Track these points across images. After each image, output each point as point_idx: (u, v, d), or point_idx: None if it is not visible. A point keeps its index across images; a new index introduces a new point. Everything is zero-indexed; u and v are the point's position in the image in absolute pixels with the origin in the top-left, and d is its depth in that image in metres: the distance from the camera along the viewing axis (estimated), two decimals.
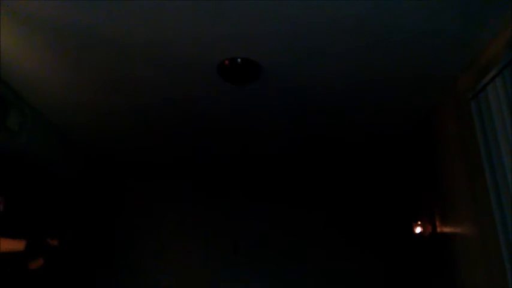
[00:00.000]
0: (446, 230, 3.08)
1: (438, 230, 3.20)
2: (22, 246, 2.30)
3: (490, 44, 2.42)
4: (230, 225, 4.53)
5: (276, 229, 4.54)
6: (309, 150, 4.20)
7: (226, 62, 2.65)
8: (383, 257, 4.33)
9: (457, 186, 2.88)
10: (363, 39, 2.43)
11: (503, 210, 2.19)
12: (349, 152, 4.22)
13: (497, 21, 2.25)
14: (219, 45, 2.51)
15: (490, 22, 2.27)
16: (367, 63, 2.69)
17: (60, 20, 2.28)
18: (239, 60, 2.63)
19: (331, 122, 3.54)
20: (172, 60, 2.67)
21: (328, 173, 4.66)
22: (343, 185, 4.70)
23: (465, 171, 2.76)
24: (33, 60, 2.65)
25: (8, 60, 2.61)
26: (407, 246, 3.90)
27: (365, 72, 2.79)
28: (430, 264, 3.38)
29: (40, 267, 2.43)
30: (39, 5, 2.15)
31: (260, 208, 4.61)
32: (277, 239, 4.50)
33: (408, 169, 3.93)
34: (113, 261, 4.35)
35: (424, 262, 3.52)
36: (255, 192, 4.68)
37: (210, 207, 4.60)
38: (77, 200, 3.92)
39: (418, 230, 3.47)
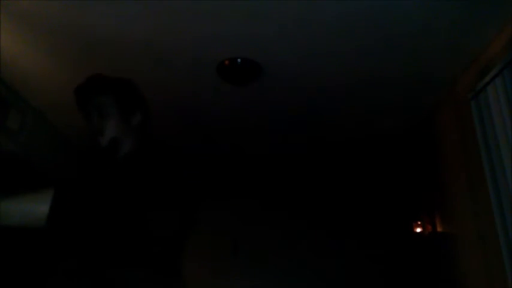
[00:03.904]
0: (446, 229, 3.09)
1: (438, 229, 3.20)
2: None
3: (490, 44, 2.42)
4: (229, 226, 4.53)
5: (275, 229, 4.54)
6: (309, 150, 4.20)
7: (226, 62, 2.65)
8: (383, 257, 4.33)
9: (457, 186, 2.88)
10: (363, 39, 2.43)
11: (503, 210, 2.19)
12: (349, 152, 4.22)
13: (497, 21, 2.25)
14: (219, 45, 2.51)
15: (490, 22, 2.27)
16: (367, 63, 2.69)
17: (60, 20, 2.28)
18: (239, 60, 2.63)
19: (331, 122, 3.54)
20: (172, 61, 2.67)
21: (328, 173, 4.66)
22: (343, 185, 4.69)
23: (465, 171, 2.76)
24: (33, 60, 2.65)
25: (8, 60, 2.61)
26: (407, 246, 3.90)
27: (365, 72, 2.79)
28: (430, 264, 3.38)
29: None
30: (39, 5, 2.15)
31: (259, 208, 4.61)
32: (276, 240, 4.50)
33: (408, 169, 3.93)
34: None
35: (424, 262, 3.52)
36: (254, 192, 4.68)
37: (209, 208, 4.59)
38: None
39: (418, 229, 3.47)
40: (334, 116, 3.42)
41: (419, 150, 3.60)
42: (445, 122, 3.07)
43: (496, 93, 2.24)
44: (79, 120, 3.71)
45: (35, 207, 1.33)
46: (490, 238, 2.38)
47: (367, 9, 2.18)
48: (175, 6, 2.16)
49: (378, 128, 3.65)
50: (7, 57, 2.58)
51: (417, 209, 3.60)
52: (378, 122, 3.53)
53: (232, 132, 3.77)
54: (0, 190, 1.41)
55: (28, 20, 2.27)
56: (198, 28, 2.34)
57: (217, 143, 4.01)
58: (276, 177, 4.72)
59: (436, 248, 3.23)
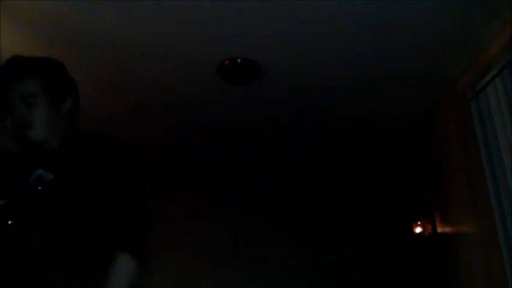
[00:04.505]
0: (446, 230, 3.08)
1: (438, 230, 3.20)
2: None
3: (490, 44, 2.41)
4: (229, 226, 4.52)
5: (276, 230, 4.54)
6: (309, 150, 4.20)
7: (226, 62, 2.65)
8: (383, 257, 4.32)
9: (457, 186, 2.88)
10: (363, 39, 2.43)
11: (503, 210, 2.19)
12: (349, 152, 4.22)
13: (497, 21, 2.25)
14: (219, 45, 2.51)
15: (490, 22, 2.27)
16: (367, 64, 2.69)
17: (61, 20, 2.28)
18: (239, 60, 2.63)
19: (330, 122, 3.54)
20: (172, 61, 2.67)
21: (327, 173, 4.66)
22: (343, 185, 4.69)
23: (465, 171, 2.76)
24: None
25: None
26: (407, 246, 3.90)
27: (365, 72, 2.79)
28: (430, 265, 3.38)
29: None
30: (39, 5, 2.15)
31: (259, 208, 4.61)
32: (276, 240, 4.50)
33: (408, 169, 3.93)
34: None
35: (424, 262, 3.52)
36: (254, 192, 4.68)
37: (209, 208, 4.60)
38: None
39: (418, 230, 3.47)
40: (333, 116, 3.42)
41: (419, 150, 3.60)
42: (445, 122, 3.07)
43: (496, 93, 2.24)
44: (78, 120, 3.71)
45: None
46: (490, 238, 2.38)
47: (367, 10, 2.18)
48: (175, 6, 2.16)
49: (377, 128, 3.65)
50: (7, 57, 2.57)
51: (417, 209, 3.59)
52: (378, 122, 3.53)
53: (232, 132, 3.77)
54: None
55: (28, 20, 2.27)
56: (198, 28, 2.34)
57: (217, 142, 4.01)
58: (276, 177, 4.72)
59: (436, 248, 3.23)
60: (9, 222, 1.25)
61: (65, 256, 1.27)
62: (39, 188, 1.32)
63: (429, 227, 3.30)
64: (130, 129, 3.70)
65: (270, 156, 4.37)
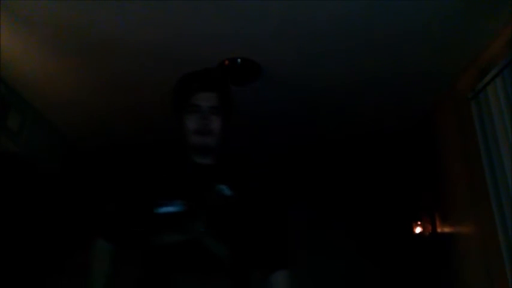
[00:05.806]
0: (446, 230, 3.08)
1: (438, 230, 3.20)
2: None
3: (490, 44, 2.42)
4: None
5: None
6: (308, 150, 4.20)
7: (226, 62, 2.65)
8: (383, 257, 4.32)
9: (457, 186, 2.88)
10: (362, 38, 2.44)
11: (503, 210, 2.19)
12: (349, 152, 4.22)
13: (497, 21, 2.25)
14: (219, 45, 2.51)
15: (490, 22, 2.27)
16: (367, 63, 2.69)
17: (60, 20, 2.28)
18: (239, 60, 2.63)
19: (330, 121, 3.54)
20: (172, 60, 2.67)
21: (327, 172, 4.66)
22: (342, 184, 4.69)
23: (465, 171, 2.76)
24: (33, 60, 2.65)
25: (8, 60, 2.61)
26: (406, 246, 3.90)
27: (365, 72, 2.79)
28: (430, 265, 3.37)
29: None
30: (39, 5, 2.16)
31: None
32: None
33: (408, 169, 3.93)
34: None
35: (423, 262, 3.52)
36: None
37: None
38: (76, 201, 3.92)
39: (418, 230, 3.47)
40: (333, 115, 3.42)
41: (419, 150, 3.60)
42: (445, 122, 3.07)
43: (496, 93, 2.24)
44: (79, 120, 3.72)
45: None
46: (490, 238, 2.38)
47: (367, 9, 2.18)
48: (175, 6, 2.16)
49: (377, 127, 3.65)
50: (7, 57, 2.58)
51: (417, 209, 3.59)
52: (378, 121, 3.53)
53: (231, 131, 3.76)
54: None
55: (28, 20, 2.27)
56: (198, 28, 2.34)
57: None
58: (276, 177, 4.71)
59: (436, 248, 3.23)
60: (201, 230, 1.42)
61: (231, 266, 1.45)
62: (221, 202, 1.51)
63: (429, 227, 3.30)
64: (131, 129, 3.70)
65: (270, 156, 4.37)
